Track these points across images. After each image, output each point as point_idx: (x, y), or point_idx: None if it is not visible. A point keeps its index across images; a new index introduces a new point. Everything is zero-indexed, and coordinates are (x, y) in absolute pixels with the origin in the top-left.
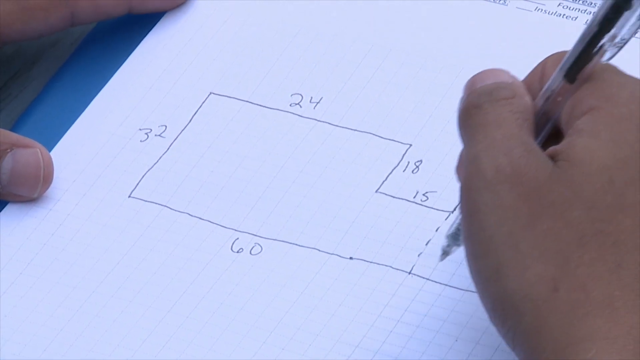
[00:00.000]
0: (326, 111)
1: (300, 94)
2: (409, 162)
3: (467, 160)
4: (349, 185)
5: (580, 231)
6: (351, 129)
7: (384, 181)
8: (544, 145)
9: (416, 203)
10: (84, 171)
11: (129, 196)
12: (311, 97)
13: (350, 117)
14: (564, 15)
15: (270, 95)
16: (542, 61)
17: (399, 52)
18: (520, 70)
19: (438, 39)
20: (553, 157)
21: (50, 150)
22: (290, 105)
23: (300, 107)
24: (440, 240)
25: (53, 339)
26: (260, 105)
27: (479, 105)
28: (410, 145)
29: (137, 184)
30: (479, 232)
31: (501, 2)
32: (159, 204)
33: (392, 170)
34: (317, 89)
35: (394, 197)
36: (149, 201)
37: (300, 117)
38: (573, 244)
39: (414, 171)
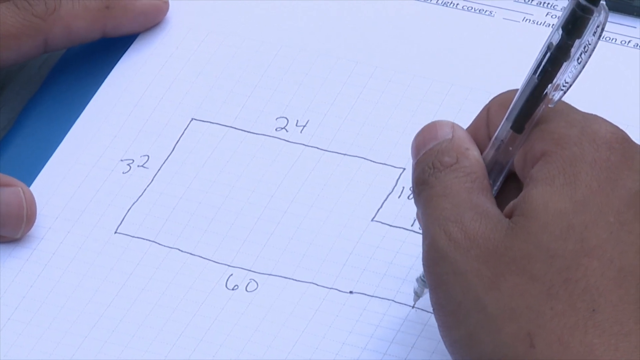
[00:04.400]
0: (314, 135)
1: (286, 118)
2: (403, 188)
3: (423, 235)
4: (343, 215)
5: (547, 282)
6: (341, 154)
7: (379, 209)
8: (505, 189)
9: (414, 232)
10: (67, 207)
11: (115, 232)
12: (297, 121)
13: (339, 140)
14: (552, 25)
15: (255, 120)
16: (486, 105)
17: (385, 69)
18: (511, 82)
19: (424, 53)
20: (511, 213)
21: (28, 186)
22: (276, 129)
23: (287, 131)
24: (412, 283)
25: None
26: (245, 131)
27: (425, 181)
28: (404, 169)
29: (123, 218)
30: (447, 303)
31: (487, 13)
32: (147, 240)
33: (387, 196)
34: (303, 111)
35: (391, 225)
36: (136, 237)
37: (287, 142)
38: (542, 297)
39: (410, 197)
